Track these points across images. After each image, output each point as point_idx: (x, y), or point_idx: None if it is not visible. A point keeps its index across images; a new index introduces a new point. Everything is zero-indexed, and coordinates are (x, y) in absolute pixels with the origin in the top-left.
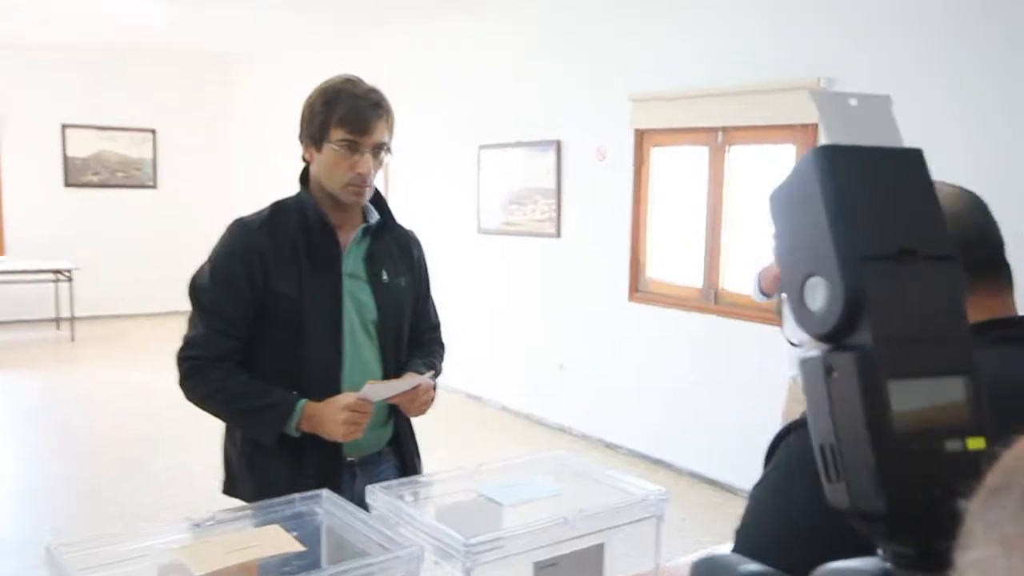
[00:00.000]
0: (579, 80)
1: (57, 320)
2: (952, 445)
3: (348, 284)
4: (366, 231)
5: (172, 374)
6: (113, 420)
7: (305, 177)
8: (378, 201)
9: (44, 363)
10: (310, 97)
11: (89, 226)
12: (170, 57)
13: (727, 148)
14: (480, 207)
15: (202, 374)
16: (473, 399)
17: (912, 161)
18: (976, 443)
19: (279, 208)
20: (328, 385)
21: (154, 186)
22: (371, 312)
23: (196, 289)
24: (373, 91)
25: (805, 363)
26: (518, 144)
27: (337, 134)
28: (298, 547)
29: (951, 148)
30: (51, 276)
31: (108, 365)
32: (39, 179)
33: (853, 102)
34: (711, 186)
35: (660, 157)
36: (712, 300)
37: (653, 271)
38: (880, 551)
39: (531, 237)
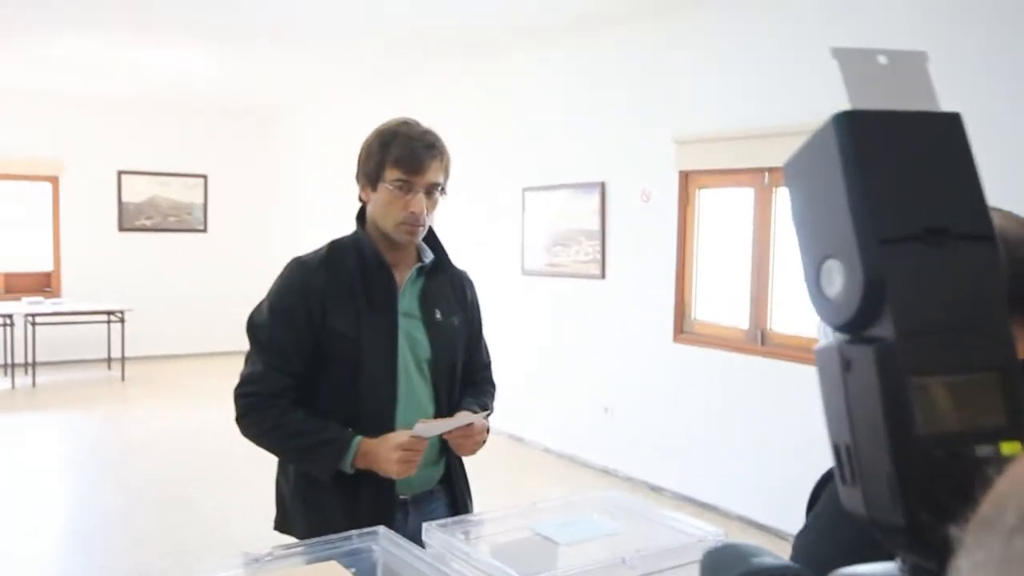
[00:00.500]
0: (623, 122)
1: (108, 360)
2: (983, 451)
3: (403, 323)
4: (421, 270)
5: (220, 413)
6: (163, 458)
7: (362, 216)
8: (432, 241)
9: (96, 402)
10: (368, 138)
11: (141, 269)
12: (220, 107)
13: (774, 189)
14: (524, 248)
15: (259, 410)
16: (515, 440)
17: (948, 126)
18: (1012, 448)
19: (336, 247)
20: (382, 423)
21: (204, 230)
22: (425, 351)
23: (254, 326)
24: (428, 132)
25: (820, 353)
26: (562, 186)
27: (392, 174)
28: None
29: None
30: (104, 317)
31: (158, 404)
32: (95, 224)
33: (882, 59)
34: (757, 227)
35: (705, 198)
36: (759, 341)
37: (698, 312)
38: (898, 560)
39: (575, 278)
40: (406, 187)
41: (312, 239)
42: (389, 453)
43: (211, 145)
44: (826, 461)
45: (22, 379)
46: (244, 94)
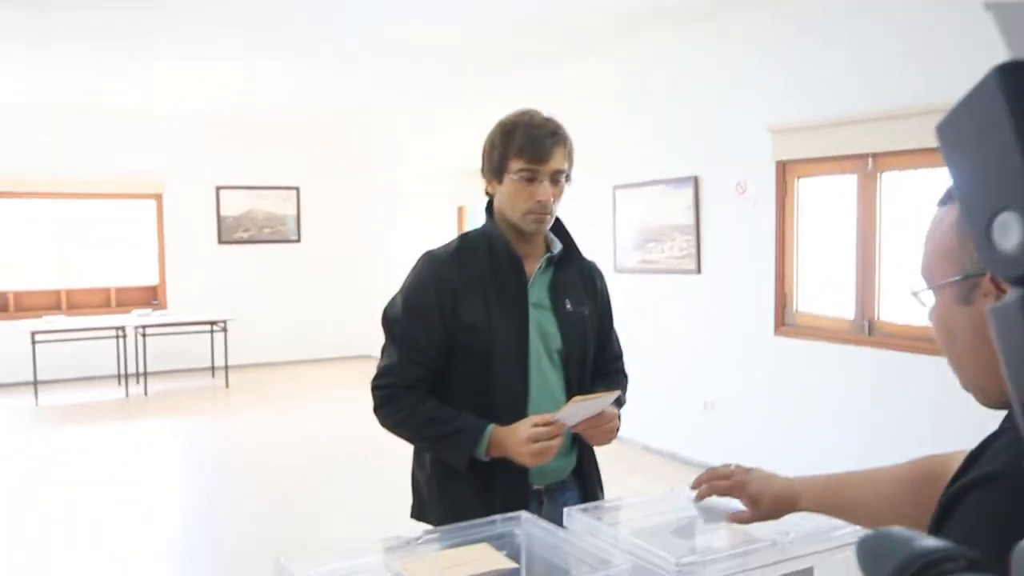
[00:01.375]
0: (716, 114)
1: (212, 369)
2: None
3: (534, 314)
4: (550, 261)
5: (321, 417)
6: (269, 462)
7: (490, 209)
8: (561, 232)
9: (202, 409)
10: (490, 132)
11: (240, 279)
12: (309, 120)
13: (879, 174)
14: (616, 246)
15: (395, 401)
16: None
17: None
18: None
19: (467, 240)
20: (516, 413)
21: (298, 240)
22: (556, 341)
23: (388, 320)
24: (550, 121)
25: (998, 311)
26: (654, 182)
27: (516, 164)
28: (510, 564)
29: None
30: (207, 327)
31: (261, 410)
32: (196, 237)
33: None
34: (862, 214)
35: (805, 187)
36: (866, 331)
37: (800, 304)
38: None
39: (670, 274)
40: (531, 176)
41: (403, 244)
42: (521, 446)
43: (302, 157)
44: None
45: (134, 388)
46: (331, 106)
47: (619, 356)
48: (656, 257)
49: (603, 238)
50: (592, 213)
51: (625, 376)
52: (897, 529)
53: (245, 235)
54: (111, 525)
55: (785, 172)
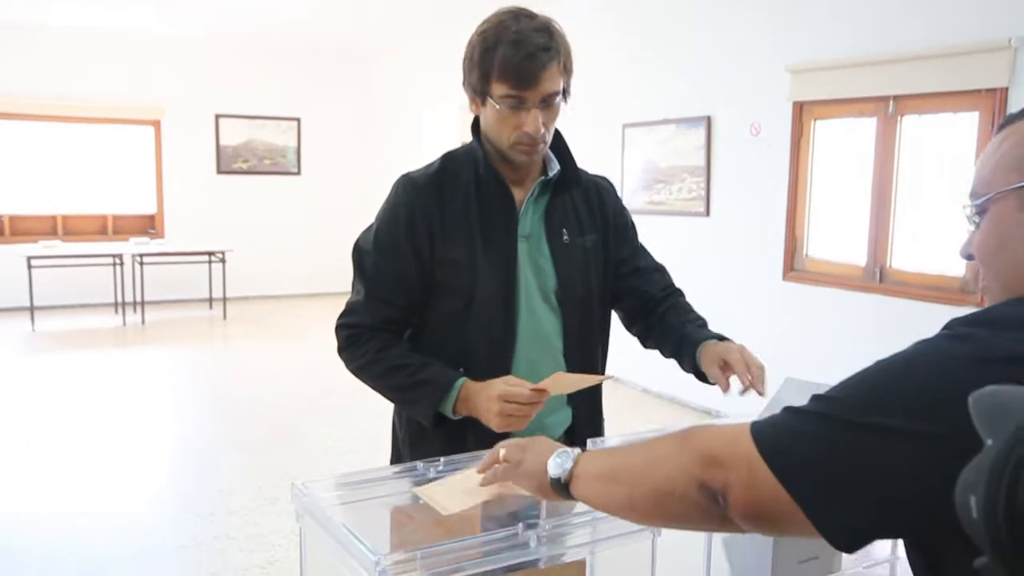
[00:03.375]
0: (732, 52)
1: (210, 300)
2: None
3: (524, 248)
4: (545, 185)
5: (319, 351)
6: (267, 392)
7: (477, 128)
8: (560, 149)
9: (200, 339)
10: (469, 41)
11: (239, 211)
12: (312, 48)
13: (899, 118)
14: (624, 187)
15: (358, 344)
16: (611, 380)
17: None
18: None
19: (449, 161)
20: (498, 363)
21: (298, 172)
22: (550, 279)
23: (359, 252)
24: (539, 30)
25: None
26: (665, 121)
27: (499, 89)
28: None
29: None
30: (205, 258)
31: (259, 343)
32: (195, 167)
33: None
34: (879, 159)
35: (821, 129)
36: (877, 278)
37: (811, 249)
38: None
39: (678, 216)
40: (517, 103)
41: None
42: (489, 403)
43: (303, 88)
44: None
45: (132, 316)
46: (336, 34)
47: (661, 268)
48: (664, 198)
49: (611, 177)
50: (600, 151)
51: (680, 291)
52: (1016, 387)
53: (244, 165)
54: (106, 452)
55: (802, 113)
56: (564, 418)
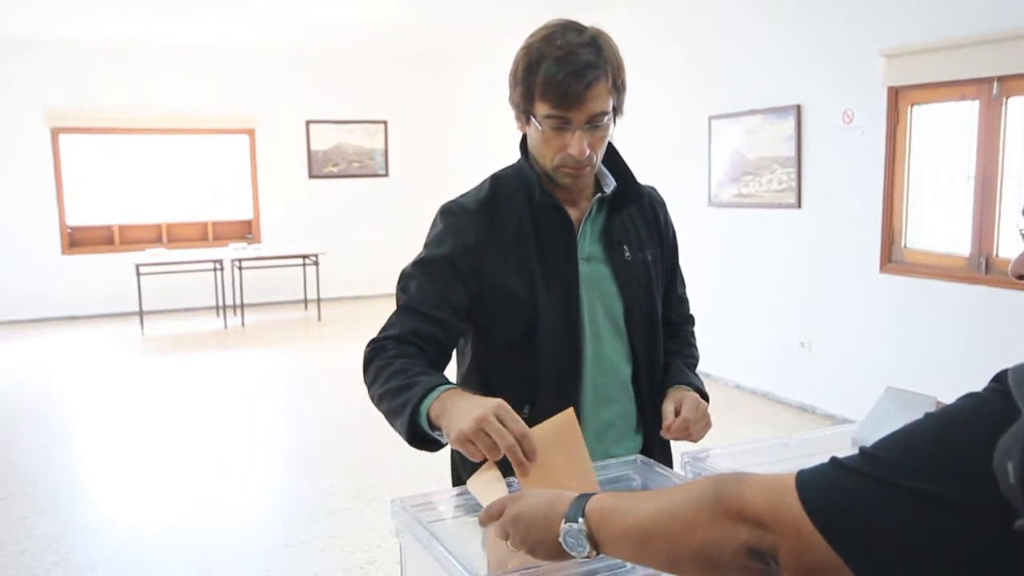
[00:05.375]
0: (821, 38)
1: (305, 301)
2: None
3: (585, 270)
4: (602, 202)
5: None
6: (362, 392)
7: (525, 146)
8: (614, 162)
9: (297, 341)
10: (516, 56)
11: (330, 213)
12: (398, 53)
13: (1004, 100)
14: (711, 179)
15: (377, 357)
16: (704, 376)
17: None
18: None
19: (498, 183)
20: (566, 394)
21: (386, 174)
22: (616, 301)
23: (403, 279)
24: (585, 46)
25: None
26: (752, 112)
27: (542, 108)
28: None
29: None
30: (299, 261)
31: (353, 343)
32: (287, 172)
33: None
34: (983, 143)
35: (919, 114)
36: (982, 269)
37: (910, 240)
38: None
39: (768, 209)
40: (561, 124)
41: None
42: (482, 409)
43: (390, 92)
44: None
45: (232, 319)
46: (420, 39)
47: (683, 298)
48: (753, 191)
49: (698, 171)
50: (686, 144)
51: (692, 321)
52: None
53: (335, 169)
54: (213, 451)
55: (898, 99)
56: (634, 446)
